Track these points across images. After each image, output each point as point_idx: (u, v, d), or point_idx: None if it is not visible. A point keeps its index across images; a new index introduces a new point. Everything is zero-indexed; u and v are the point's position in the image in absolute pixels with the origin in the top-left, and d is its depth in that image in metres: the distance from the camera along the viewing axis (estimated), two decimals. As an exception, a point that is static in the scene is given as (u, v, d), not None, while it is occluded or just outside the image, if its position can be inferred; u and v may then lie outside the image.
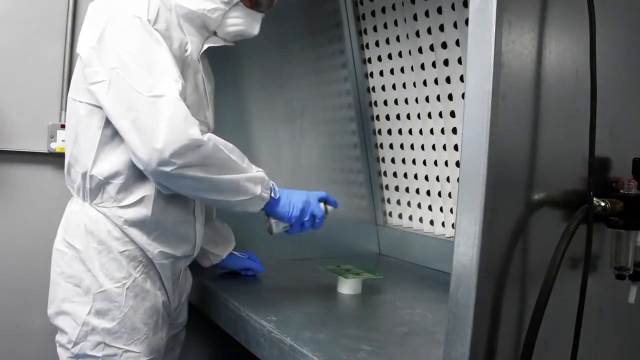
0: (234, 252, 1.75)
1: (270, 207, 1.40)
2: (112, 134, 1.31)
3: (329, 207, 1.50)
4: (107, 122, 1.30)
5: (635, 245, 0.95)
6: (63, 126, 1.84)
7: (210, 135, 1.27)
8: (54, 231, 1.43)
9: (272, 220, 1.43)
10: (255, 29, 1.47)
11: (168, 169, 1.21)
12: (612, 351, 1.04)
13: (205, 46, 1.44)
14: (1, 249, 1.80)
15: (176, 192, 1.33)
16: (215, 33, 1.46)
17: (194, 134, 1.22)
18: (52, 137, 1.83)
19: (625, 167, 0.97)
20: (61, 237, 1.40)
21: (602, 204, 0.91)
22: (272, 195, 1.39)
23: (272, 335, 1.26)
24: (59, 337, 1.38)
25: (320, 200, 1.49)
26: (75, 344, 1.33)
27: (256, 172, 1.36)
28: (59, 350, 1.38)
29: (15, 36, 1.78)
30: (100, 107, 1.29)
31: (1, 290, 1.80)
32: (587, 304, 0.88)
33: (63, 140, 1.84)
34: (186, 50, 1.38)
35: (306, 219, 1.44)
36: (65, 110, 1.84)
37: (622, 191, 0.95)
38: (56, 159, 1.87)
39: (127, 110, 1.22)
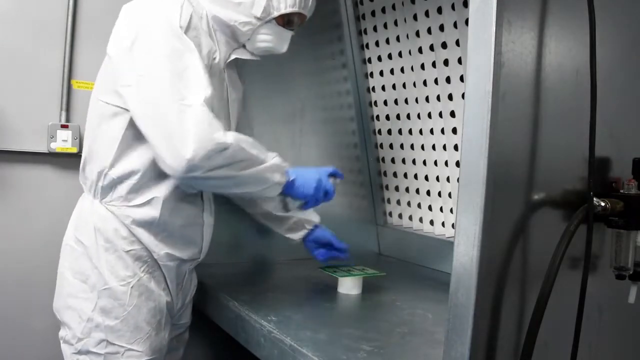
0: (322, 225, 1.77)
1: (287, 190, 1.43)
2: (132, 135, 1.33)
3: (337, 180, 1.57)
4: (130, 124, 1.32)
5: (635, 245, 0.95)
6: (63, 126, 1.84)
7: (233, 135, 1.28)
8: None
9: (288, 199, 1.47)
10: (283, 47, 1.49)
11: (196, 173, 1.22)
12: (612, 351, 1.04)
13: (233, 56, 1.47)
14: (1, 248, 1.80)
15: (201, 190, 1.36)
16: (244, 45, 1.48)
17: (218, 138, 1.23)
18: (52, 137, 1.83)
19: (625, 167, 0.97)
20: (71, 233, 1.42)
21: (602, 204, 0.91)
22: (288, 178, 1.41)
23: (272, 335, 1.26)
24: (62, 333, 1.40)
25: (329, 175, 1.53)
26: (80, 339, 1.34)
27: (272, 159, 1.37)
28: (63, 346, 1.39)
29: (15, 36, 1.78)
30: (125, 109, 1.31)
31: (2, 290, 1.80)
32: (587, 304, 0.88)
33: (63, 140, 1.84)
34: (214, 58, 1.40)
35: (320, 195, 1.48)
36: (66, 111, 1.85)
37: (622, 191, 0.95)
38: (56, 159, 1.87)
39: (156, 117, 1.24)
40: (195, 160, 1.20)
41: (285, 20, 1.44)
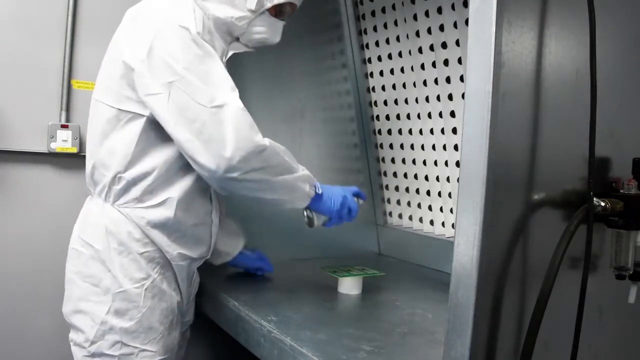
0: (245, 252, 1.77)
1: (315, 203, 1.47)
2: (147, 139, 1.34)
3: (360, 201, 1.60)
4: (145, 129, 1.33)
5: (635, 245, 0.95)
6: (63, 126, 1.84)
7: (268, 139, 1.32)
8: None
9: (314, 214, 1.50)
10: (277, 37, 1.52)
11: (235, 174, 1.26)
12: (612, 351, 1.04)
13: (230, 52, 1.49)
14: (1, 249, 1.80)
15: (234, 194, 1.38)
16: (237, 39, 1.49)
17: (259, 140, 1.29)
18: (52, 137, 1.83)
19: (625, 167, 0.97)
20: (77, 237, 1.41)
21: (602, 204, 0.91)
22: (317, 191, 1.45)
23: (272, 335, 1.27)
24: (73, 336, 1.40)
25: (353, 194, 1.57)
26: (93, 342, 1.35)
27: (302, 170, 1.42)
28: (74, 349, 1.39)
29: (15, 36, 1.78)
30: (140, 115, 1.33)
31: (2, 290, 1.80)
32: (587, 304, 0.88)
33: (63, 140, 1.84)
34: (223, 58, 1.42)
35: (344, 212, 1.52)
36: (66, 111, 1.85)
37: (622, 191, 0.95)
38: (56, 159, 1.87)
39: (190, 122, 1.25)
40: (234, 160, 1.24)
41: (277, 11, 1.47)
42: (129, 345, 1.34)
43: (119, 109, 1.35)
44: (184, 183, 1.38)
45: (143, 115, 1.32)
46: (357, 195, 1.58)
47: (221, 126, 1.25)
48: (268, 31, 1.48)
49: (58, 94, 1.85)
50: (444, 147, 1.96)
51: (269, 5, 1.43)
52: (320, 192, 1.46)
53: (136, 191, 1.36)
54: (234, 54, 1.53)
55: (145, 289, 1.35)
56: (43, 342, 1.80)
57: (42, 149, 1.83)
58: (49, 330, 1.76)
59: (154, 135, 1.34)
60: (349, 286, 1.64)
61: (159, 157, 1.35)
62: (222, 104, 1.26)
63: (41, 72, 1.83)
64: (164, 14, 1.31)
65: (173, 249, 1.40)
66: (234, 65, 1.93)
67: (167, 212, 1.37)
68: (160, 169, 1.35)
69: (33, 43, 1.81)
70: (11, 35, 1.78)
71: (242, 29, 1.45)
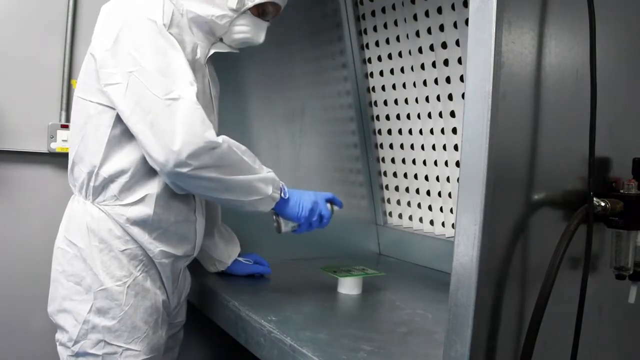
0: (239, 259, 1.77)
1: (280, 207, 1.43)
2: (120, 133, 1.32)
3: (335, 208, 1.54)
4: (116, 122, 1.32)
5: (635, 245, 0.95)
6: (63, 126, 1.84)
7: (224, 137, 1.29)
8: (54, 231, 1.43)
9: (281, 220, 1.46)
10: (260, 37, 1.50)
11: (184, 170, 1.23)
12: (612, 351, 1.04)
13: (212, 51, 1.47)
14: (1, 249, 1.80)
15: (189, 192, 1.35)
16: (221, 39, 1.49)
17: (209, 136, 1.25)
18: (52, 137, 1.83)
19: (625, 167, 0.97)
20: (62, 236, 1.40)
21: (602, 204, 0.91)
22: (282, 195, 1.42)
23: (272, 335, 1.27)
24: (59, 336, 1.39)
25: (327, 200, 1.52)
26: (76, 342, 1.33)
27: (267, 172, 1.39)
28: (59, 348, 1.38)
29: (15, 36, 1.79)
30: (111, 107, 1.31)
31: (1, 290, 1.80)
32: (587, 304, 0.88)
33: (63, 140, 1.84)
34: (196, 54, 1.40)
35: (314, 219, 1.47)
36: (66, 111, 1.85)
37: (622, 191, 0.96)
38: (56, 159, 1.87)
39: (145, 113, 1.24)
40: (182, 155, 1.21)
41: (260, 11, 1.46)
42: (112, 344, 1.32)
43: (90, 101, 1.34)
44: (163, 179, 1.35)
45: (113, 109, 1.31)
46: (331, 201, 1.53)
47: (172, 119, 1.22)
48: (251, 31, 1.47)
49: (58, 94, 1.85)
50: (444, 147, 1.96)
51: (250, 4, 1.43)
52: (286, 196, 1.42)
53: (114, 188, 1.34)
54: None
55: (128, 287, 1.34)
56: (41, 341, 1.80)
57: (42, 149, 1.83)
58: (48, 330, 1.75)
59: (126, 129, 1.31)
60: (349, 286, 1.64)
61: (134, 153, 1.33)
62: (177, 97, 1.24)
63: (41, 71, 1.83)
64: (133, 6, 1.31)
65: (155, 247, 1.37)
66: (235, 66, 1.93)
67: (146, 209, 1.35)
68: (136, 166, 1.33)
69: (33, 43, 1.81)
70: (11, 34, 1.78)
71: (224, 28, 1.44)
